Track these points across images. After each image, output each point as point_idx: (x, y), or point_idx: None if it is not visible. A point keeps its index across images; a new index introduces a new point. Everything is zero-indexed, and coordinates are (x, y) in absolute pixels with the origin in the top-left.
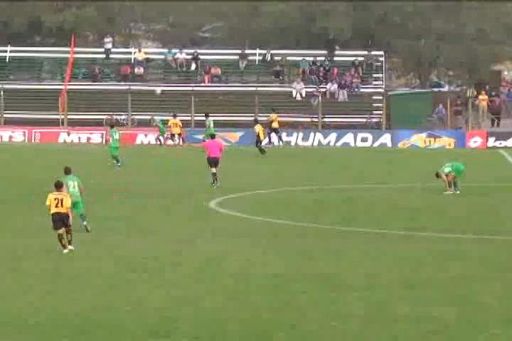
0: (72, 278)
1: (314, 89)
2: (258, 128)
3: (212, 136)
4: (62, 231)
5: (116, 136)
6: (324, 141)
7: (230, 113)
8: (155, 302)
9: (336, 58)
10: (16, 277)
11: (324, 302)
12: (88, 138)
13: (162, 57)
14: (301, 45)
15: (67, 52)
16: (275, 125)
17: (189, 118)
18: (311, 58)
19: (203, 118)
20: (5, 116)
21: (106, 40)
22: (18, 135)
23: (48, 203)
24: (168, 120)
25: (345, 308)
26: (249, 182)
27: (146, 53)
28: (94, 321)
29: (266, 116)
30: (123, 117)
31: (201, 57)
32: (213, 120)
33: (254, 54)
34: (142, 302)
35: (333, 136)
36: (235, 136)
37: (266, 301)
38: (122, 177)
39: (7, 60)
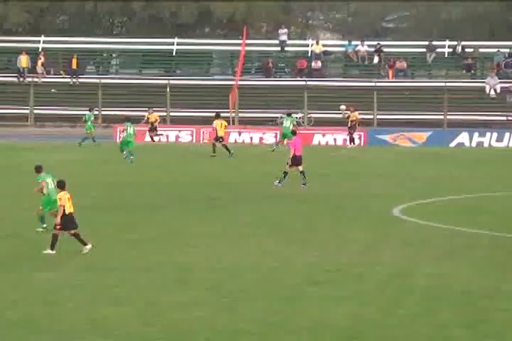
0: (243, 290)
1: (510, 84)
2: (216, 123)
3: (294, 133)
4: (75, 231)
5: (131, 131)
6: None
7: (416, 110)
8: (336, 319)
9: None
10: (185, 290)
11: None
12: (260, 139)
13: (342, 49)
14: (496, 36)
15: (239, 45)
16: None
17: (371, 116)
18: (507, 50)
19: (387, 116)
20: (171, 114)
21: (281, 31)
22: (185, 135)
23: (62, 203)
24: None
25: None
26: (438, 187)
27: (324, 45)
28: (267, 338)
29: (454, 114)
30: (299, 115)
31: (385, 49)
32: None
33: (443, 46)
34: (321, 319)
35: None
36: (421, 136)
37: (457, 318)
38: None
39: (174, 54)
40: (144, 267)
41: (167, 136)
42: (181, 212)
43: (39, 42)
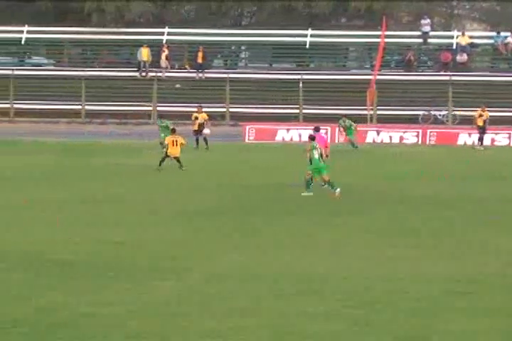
0: (376, 302)
1: None
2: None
3: (317, 129)
4: None
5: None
6: None
7: None
8: (480, 333)
9: None
10: (315, 301)
11: None
12: (401, 138)
13: (490, 41)
14: None
15: (377, 37)
16: (480, 123)
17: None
18: None
19: None
20: (304, 111)
21: (423, 21)
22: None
23: None
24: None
25: None
26: None
27: (470, 37)
28: None
29: None
30: (442, 113)
31: None
32: None
33: None
34: (464, 332)
35: None
36: None
37: None
38: (442, 183)
39: (307, 46)
40: (269, 275)
41: (300, 135)
42: (305, 216)
43: (163, 34)
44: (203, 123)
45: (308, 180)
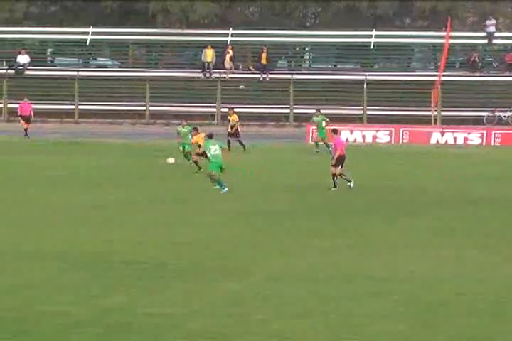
0: (440, 303)
1: None
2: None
3: (335, 131)
4: None
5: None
6: None
7: None
8: None
9: None
10: (377, 301)
11: None
12: (465, 139)
13: None
14: None
15: (442, 37)
16: None
17: None
18: None
19: None
20: (368, 112)
21: (488, 22)
22: (383, 135)
23: None
24: None
25: None
26: None
27: None
28: None
29: None
30: (507, 114)
31: None
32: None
33: None
34: None
35: None
36: None
37: None
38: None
39: (372, 47)
40: (333, 277)
41: (363, 137)
42: (370, 217)
43: (227, 35)
44: (235, 125)
45: (214, 179)
